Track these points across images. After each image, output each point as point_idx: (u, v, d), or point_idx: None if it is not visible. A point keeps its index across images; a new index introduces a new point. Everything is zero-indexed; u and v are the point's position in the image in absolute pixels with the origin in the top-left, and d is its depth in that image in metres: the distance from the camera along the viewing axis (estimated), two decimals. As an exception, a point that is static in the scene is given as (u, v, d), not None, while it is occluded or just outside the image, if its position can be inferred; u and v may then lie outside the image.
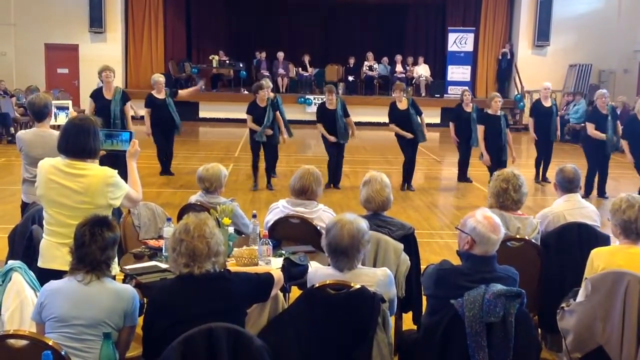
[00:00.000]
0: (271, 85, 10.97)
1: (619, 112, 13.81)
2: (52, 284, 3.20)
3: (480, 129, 9.61)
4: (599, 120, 9.89)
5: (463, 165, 11.35)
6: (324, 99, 10.56)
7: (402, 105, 10.23)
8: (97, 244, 3.13)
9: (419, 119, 10.19)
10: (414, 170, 10.61)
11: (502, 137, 9.41)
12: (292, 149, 14.30)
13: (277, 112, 10.15)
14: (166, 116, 10.72)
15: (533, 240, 4.34)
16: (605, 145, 9.70)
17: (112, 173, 3.77)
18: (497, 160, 9.32)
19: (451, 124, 11.34)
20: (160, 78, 10.96)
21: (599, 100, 10.06)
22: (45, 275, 3.55)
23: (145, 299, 3.65)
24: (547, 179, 11.20)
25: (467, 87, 11.24)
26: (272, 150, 10.35)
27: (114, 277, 3.52)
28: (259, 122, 9.89)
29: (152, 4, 20.27)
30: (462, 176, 11.34)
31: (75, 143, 3.75)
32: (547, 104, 11.20)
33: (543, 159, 11.32)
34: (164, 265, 3.92)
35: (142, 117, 11.10)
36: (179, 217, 4.64)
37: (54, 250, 3.74)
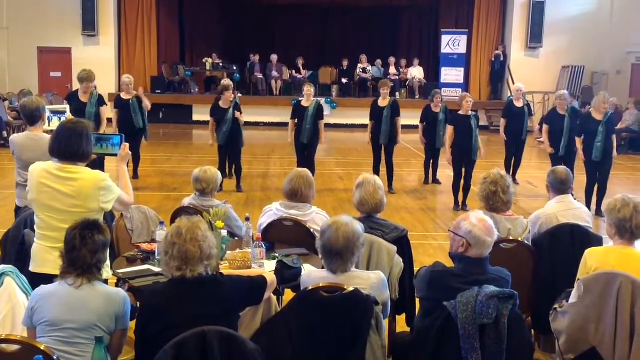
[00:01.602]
0: (232, 85, 10.74)
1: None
2: (43, 288, 3.19)
3: (449, 129, 9.47)
4: (554, 121, 9.84)
5: (429, 167, 11.35)
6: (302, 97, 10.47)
7: (383, 103, 10.29)
8: (87, 247, 3.13)
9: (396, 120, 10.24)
10: (393, 172, 10.53)
11: (473, 137, 9.20)
12: (286, 151, 14.28)
13: (238, 113, 10.03)
14: (128, 118, 10.47)
15: (525, 241, 4.35)
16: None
17: (104, 177, 3.76)
18: (467, 160, 9.21)
19: (420, 125, 11.27)
20: (126, 79, 10.85)
21: (557, 101, 9.99)
22: (37, 280, 3.54)
23: (138, 303, 3.64)
24: (515, 180, 11.11)
25: (438, 90, 11.15)
26: (237, 152, 10.28)
27: (106, 281, 3.51)
28: (221, 125, 9.87)
29: (145, 7, 20.25)
30: (428, 178, 11.36)
31: (68, 146, 3.74)
32: (519, 104, 11.19)
33: (513, 159, 11.21)
34: (156, 269, 3.91)
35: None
36: (172, 220, 4.63)
37: (46, 255, 3.72)
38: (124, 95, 10.73)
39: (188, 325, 2.79)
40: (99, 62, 19.41)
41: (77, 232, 3.15)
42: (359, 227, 3.41)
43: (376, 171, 10.28)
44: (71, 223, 3.26)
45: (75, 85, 18.95)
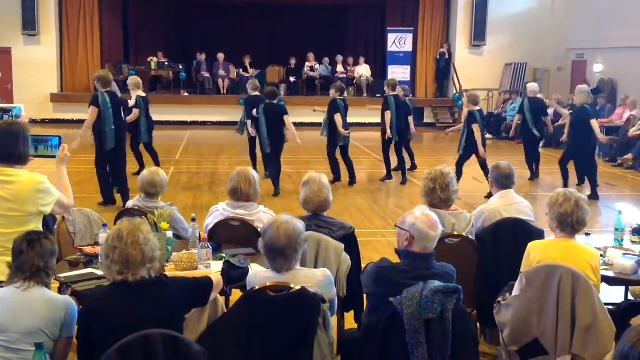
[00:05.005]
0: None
1: (553, 110, 14.18)
2: (-12, 293, 3.10)
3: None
4: None
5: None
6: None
7: None
8: (35, 250, 3.09)
9: None
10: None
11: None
12: (235, 150, 14.20)
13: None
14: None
15: (469, 236, 4.41)
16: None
17: (42, 179, 3.67)
18: None
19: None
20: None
21: None
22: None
23: (81, 307, 3.56)
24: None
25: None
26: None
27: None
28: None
29: (87, 5, 19.75)
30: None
31: (4, 148, 3.64)
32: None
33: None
34: (99, 273, 3.83)
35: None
36: (115, 223, 4.54)
37: (-16, 259, 3.62)
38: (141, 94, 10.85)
39: (132, 329, 2.74)
40: (40, 62, 18.95)
41: (24, 238, 3.14)
42: (299, 224, 3.41)
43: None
44: (9, 227, 3.22)
45: (16, 87, 18.58)
